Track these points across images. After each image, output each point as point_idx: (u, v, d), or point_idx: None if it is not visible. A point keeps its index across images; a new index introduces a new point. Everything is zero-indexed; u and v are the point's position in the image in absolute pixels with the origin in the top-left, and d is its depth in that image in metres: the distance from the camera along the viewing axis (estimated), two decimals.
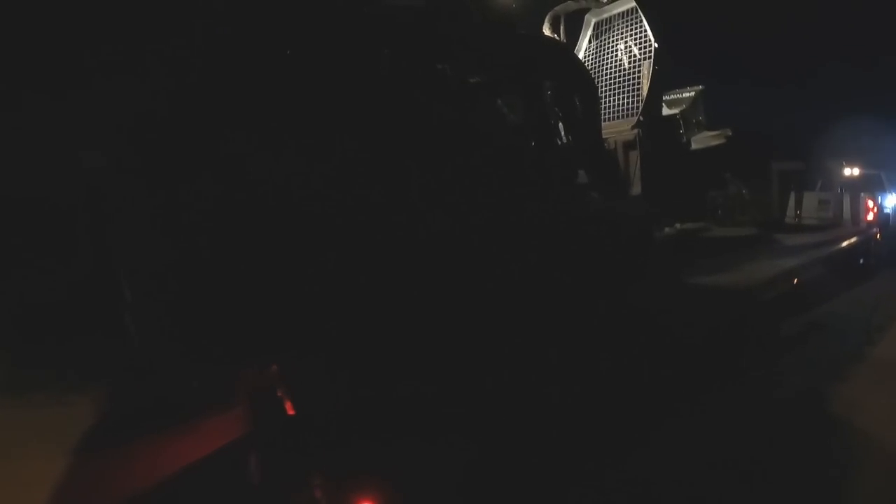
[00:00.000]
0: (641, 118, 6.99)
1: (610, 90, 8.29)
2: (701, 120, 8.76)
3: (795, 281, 6.60)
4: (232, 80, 2.86)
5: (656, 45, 7.35)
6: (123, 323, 2.54)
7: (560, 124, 5.65)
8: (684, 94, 8.86)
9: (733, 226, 8.76)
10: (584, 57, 8.91)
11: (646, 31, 7.70)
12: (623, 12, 8.23)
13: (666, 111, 8.69)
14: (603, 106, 8.20)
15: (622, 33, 8.26)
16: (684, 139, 8.34)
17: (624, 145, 6.95)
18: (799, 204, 11.72)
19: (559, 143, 5.60)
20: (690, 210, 7.92)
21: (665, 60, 7.08)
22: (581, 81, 5.95)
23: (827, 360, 6.59)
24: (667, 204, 6.51)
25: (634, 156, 6.83)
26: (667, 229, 7.23)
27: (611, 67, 8.40)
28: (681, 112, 8.48)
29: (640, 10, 7.77)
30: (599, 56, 8.64)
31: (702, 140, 8.51)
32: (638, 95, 7.72)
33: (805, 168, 12.90)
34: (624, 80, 8.11)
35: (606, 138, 7.07)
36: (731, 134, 8.46)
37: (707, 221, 8.46)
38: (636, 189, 6.62)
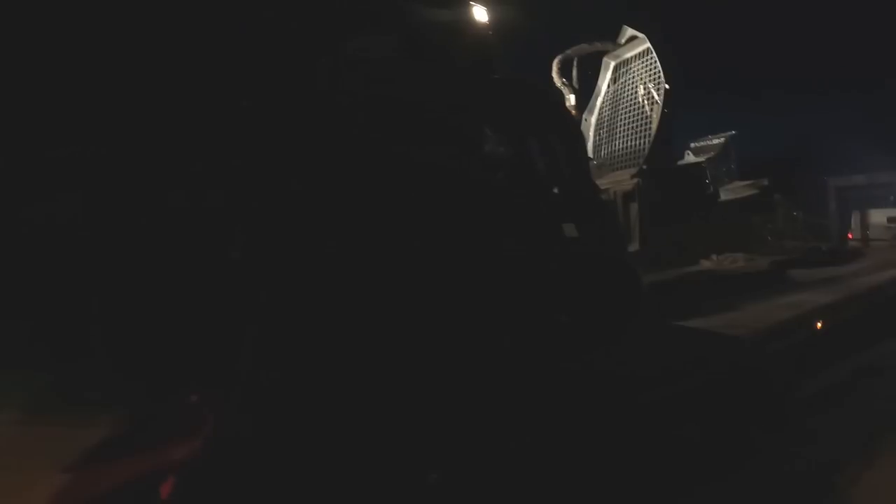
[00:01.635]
0: (644, 166, 6.25)
1: (632, 136, 7.62)
2: (732, 168, 7.89)
3: (819, 324, 5.41)
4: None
5: (667, 86, 6.64)
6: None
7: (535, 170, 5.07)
8: (713, 141, 8.04)
9: (782, 253, 7.60)
10: (604, 102, 8.32)
11: (659, 71, 7.03)
12: (640, 53, 7.60)
13: (692, 159, 7.90)
14: (625, 153, 7.58)
15: (641, 76, 7.61)
16: (711, 189, 7.48)
17: (623, 196, 6.21)
18: (864, 223, 10.32)
19: (532, 190, 5.02)
20: (728, 241, 6.96)
21: (671, 103, 6.34)
22: (560, 123, 5.38)
23: (869, 419, 5.18)
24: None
25: (635, 208, 6.09)
26: (703, 262, 6.47)
27: (632, 112, 7.74)
28: (707, 160, 7.65)
29: (653, 50, 7.12)
30: (619, 101, 8.01)
31: (733, 191, 7.63)
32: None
33: (869, 183, 11.44)
34: (646, 125, 7.43)
35: (606, 188, 6.40)
36: (767, 185, 7.54)
37: (753, 250, 7.30)
38: (634, 244, 5.86)
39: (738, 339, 4.58)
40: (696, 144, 8.12)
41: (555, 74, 7.78)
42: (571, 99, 7.94)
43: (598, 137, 8.36)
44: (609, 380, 3.80)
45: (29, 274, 2.56)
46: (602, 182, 6.52)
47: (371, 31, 3.98)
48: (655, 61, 7.16)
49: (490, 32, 5.44)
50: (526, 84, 6.25)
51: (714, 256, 6.62)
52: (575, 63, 7.90)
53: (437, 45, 4.57)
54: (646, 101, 7.44)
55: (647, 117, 7.31)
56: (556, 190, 5.13)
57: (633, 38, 7.70)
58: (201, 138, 2.94)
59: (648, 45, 7.29)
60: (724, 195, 7.64)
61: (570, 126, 5.58)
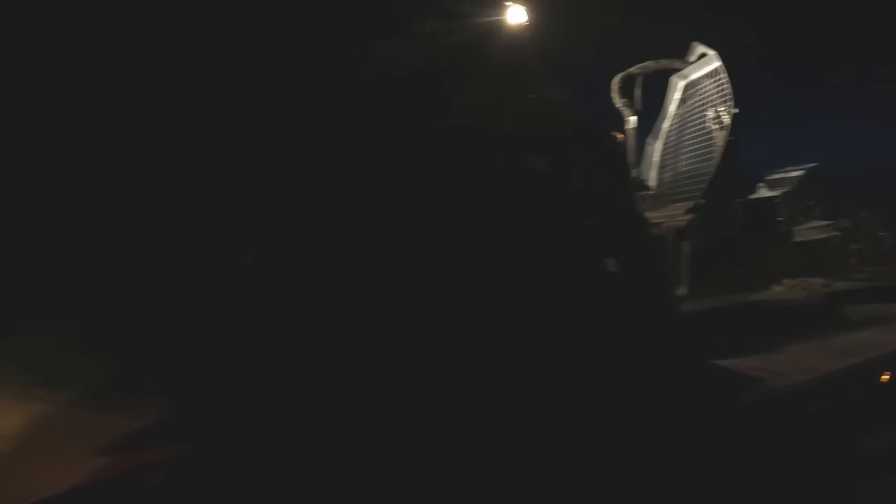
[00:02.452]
0: (703, 200, 5.57)
1: (698, 163, 6.90)
2: (811, 206, 7.02)
3: (886, 377, 4.54)
4: None
5: (736, 110, 5.93)
6: None
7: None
8: (791, 174, 7.20)
9: (864, 280, 6.63)
10: (671, 126, 7.61)
11: (729, 93, 6.31)
12: (710, 72, 6.87)
13: (765, 193, 7.10)
14: (690, 181, 6.89)
15: (712, 97, 6.89)
16: (783, 228, 6.67)
17: (676, 232, 5.54)
18: None
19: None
20: (803, 263, 6.19)
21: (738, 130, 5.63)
22: (591, 145, 4.84)
23: None
24: None
25: (687, 246, 5.42)
26: (774, 287, 5.78)
27: (699, 138, 7.02)
28: (782, 195, 6.84)
29: (724, 69, 6.41)
30: (685, 125, 7.29)
31: (809, 231, 6.77)
32: None
33: None
34: (713, 153, 6.70)
35: (659, 222, 5.74)
36: (848, 225, 6.65)
37: (831, 275, 6.34)
38: (683, 288, 5.18)
39: (770, 390, 3.88)
40: (772, 177, 7.30)
41: (615, 94, 7.16)
42: (632, 121, 7.30)
43: (662, 164, 7.65)
44: (610, 422, 3.25)
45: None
46: (655, 215, 5.88)
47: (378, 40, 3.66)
48: (726, 81, 6.44)
49: (528, 37, 4.82)
50: (567, 106, 5.71)
51: (786, 281, 5.87)
52: (638, 82, 7.24)
53: (461, 54, 4.12)
54: (715, 126, 6.72)
55: (714, 144, 6.60)
56: (591, 218, 4.61)
57: (703, 55, 7.00)
58: (204, 144, 2.74)
59: (720, 63, 6.57)
60: (798, 236, 6.80)
61: (614, 152, 5.02)
